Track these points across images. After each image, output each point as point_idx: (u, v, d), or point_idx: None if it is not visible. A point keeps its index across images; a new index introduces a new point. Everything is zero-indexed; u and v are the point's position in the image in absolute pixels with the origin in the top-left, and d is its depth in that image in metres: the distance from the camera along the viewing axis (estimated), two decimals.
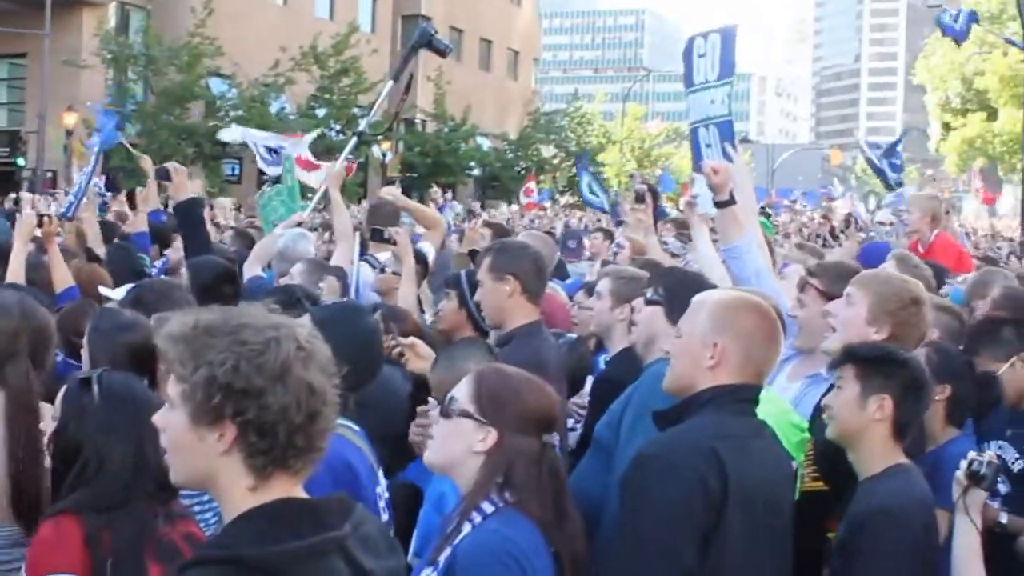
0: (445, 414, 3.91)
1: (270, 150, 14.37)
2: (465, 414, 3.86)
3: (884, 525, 4.38)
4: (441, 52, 11.95)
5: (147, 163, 11.64)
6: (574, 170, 62.06)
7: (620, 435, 5.00)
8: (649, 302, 5.49)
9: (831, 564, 4.54)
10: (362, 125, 13.44)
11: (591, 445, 5.35)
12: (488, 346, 5.62)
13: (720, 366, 4.18)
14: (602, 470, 4.95)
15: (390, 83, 11.88)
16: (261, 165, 14.96)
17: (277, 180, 12.65)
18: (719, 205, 6.74)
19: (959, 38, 26.22)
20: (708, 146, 7.88)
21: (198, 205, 8.71)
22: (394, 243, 8.13)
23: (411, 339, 5.84)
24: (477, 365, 4.85)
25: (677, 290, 5.22)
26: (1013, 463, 5.92)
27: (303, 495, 2.75)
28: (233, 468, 2.68)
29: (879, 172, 19.94)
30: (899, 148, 20.57)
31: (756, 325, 4.25)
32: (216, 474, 2.70)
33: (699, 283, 5.37)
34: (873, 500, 4.48)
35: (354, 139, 12.68)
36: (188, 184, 8.71)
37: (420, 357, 5.74)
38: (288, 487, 2.71)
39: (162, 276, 9.62)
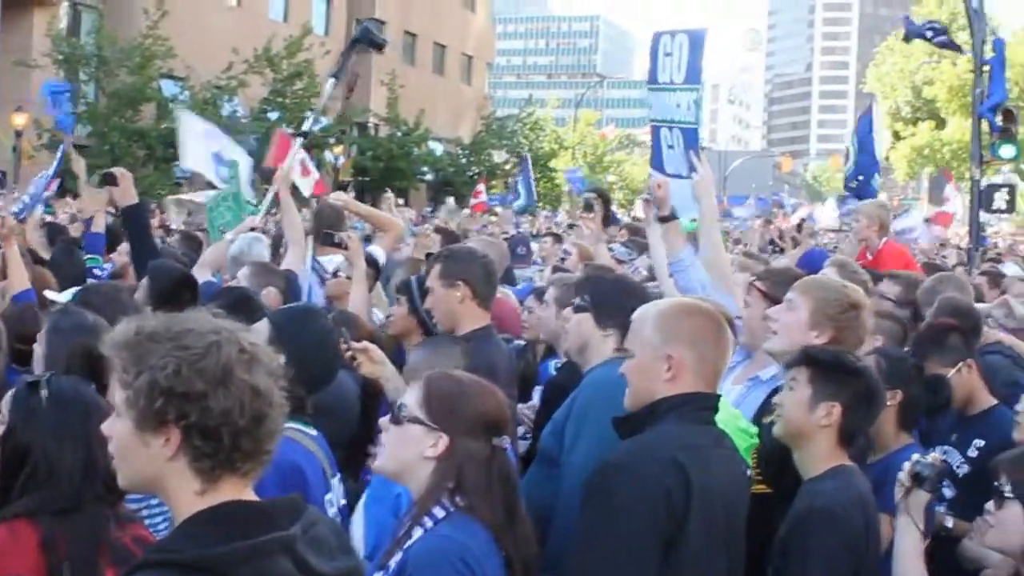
0: (396, 421, 3.92)
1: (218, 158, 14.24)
2: (415, 420, 3.87)
3: (822, 524, 4.43)
4: (379, 47, 12.00)
5: (79, 166, 11.56)
6: None
7: (564, 443, 5.02)
8: (577, 309, 5.49)
9: (772, 563, 4.58)
10: (306, 125, 13.35)
11: (537, 454, 5.37)
12: (465, 347, 5.65)
13: (678, 376, 4.22)
14: (548, 478, 4.98)
15: (331, 80, 11.85)
16: (216, 182, 14.87)
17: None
18: (661, 220, 6.80)
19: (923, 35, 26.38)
20: (671, 147, 7.89)
21: (144, 210, 8.64)
22: (346, 247, 8.11)
23: (364, 344, 5.84)
24: (456, 361, 4.91)
25: (603, 295, 5.27)
26: (958, 467, 6.00)
27: (252, 497, 2.75)
28: (180, 473, 2.68)
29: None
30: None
31: (702, 327, 4.30)
32: (164, 479, 2.70)
33: (624, 287, 5.43)
34: (813, 500, 4.53)
35: (299, 140, 12.65)
36: (133, 189, 8.62)
37: (373, 361, 5.74)
38: (237, 490, 2.71)
39: (108, 280, 9.52)
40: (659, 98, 8.15)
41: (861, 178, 18.03)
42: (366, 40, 11.70)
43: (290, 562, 2.65)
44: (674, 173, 7.75)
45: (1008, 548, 4.11)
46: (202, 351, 2.64)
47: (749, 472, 4.60)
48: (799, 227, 15.30)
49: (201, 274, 8.30)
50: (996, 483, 4.11)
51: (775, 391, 5.34)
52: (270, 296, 7.33)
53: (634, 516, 3.89)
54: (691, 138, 7.83)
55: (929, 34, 26.06)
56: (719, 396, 4.36)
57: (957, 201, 34.32)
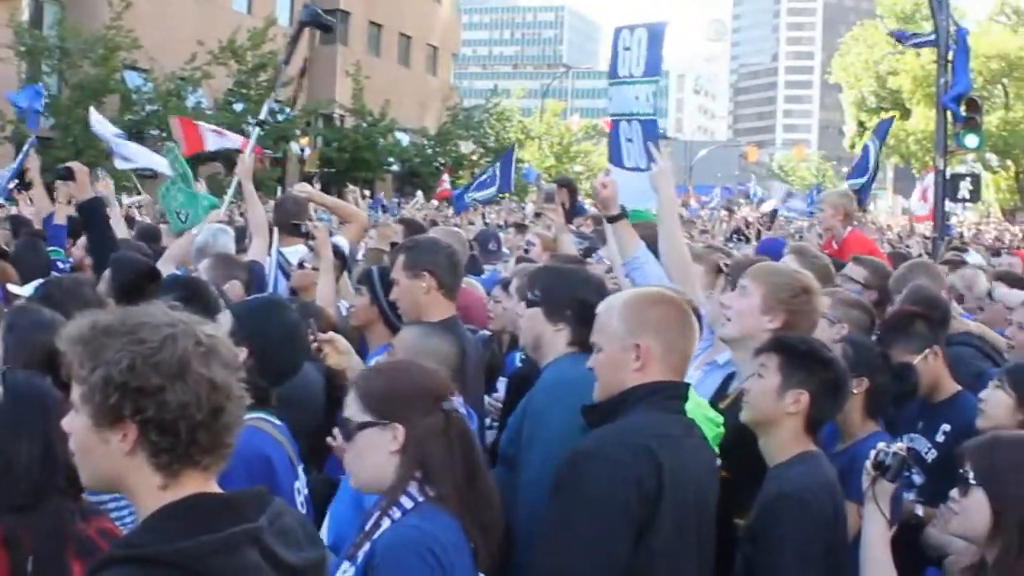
0: (348, 437, 3.92)
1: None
2: (365, 425, 3.87)
3: (790, 509, 4.44)
4: (326, 28, 12.01)
5: (33, 164, 11.50)
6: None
7: (521, 445, 5.00)
8: (528, 304, 5.46)
9: (742, 549, 4.58)
10: (263, 113, 13.29)
11: (498, 457, 5.35)
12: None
13: (646, 366, 4.22)
14: (508, 483, 4.96)
15: (282, 66, 11.84)
16: (118, 163, 14.80)
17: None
18: (609, 220, 6.80)
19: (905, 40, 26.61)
20: (629, 140, 7.89)
21: (101, 204, 8.57)
22: (312, 237, 8.09)
23: (330, 334, 5.83)
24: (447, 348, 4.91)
25: (552, 289, 5.24)
26: (926, 453, 6.01)
27: (216, 490, 2.74)
28: (140, 468, 2.67)
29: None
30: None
31: (668, 315, 4.31)
32: (124, 475, 2.69)
33: (574, 279, 5.39)
34: (781, 486, 4.55)
35: (256, 129, 12.60)
36: (90, 184, 8.57)
37: (339, 352, 5.73)
38: (199, 483, 2.70)
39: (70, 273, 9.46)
40: (619, 92, 8.16)
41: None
42: (313, 22, 11.68)
43: (258, 553, 2.64)
44: (633, 167, 7.76)
45: (971, 535, 4.12)
46: (157, 345, 2.62)
47: (719, 462, 4.59)
48: (772, 217, 15.41)
49: (166, 268, 8.25)
50: (961, 470, 4.11)
51: (730, 376, 5.37)
52: (234, 288, 7.29)
53: (605, 503, 3.90)
54: (650, 129, 7.83)
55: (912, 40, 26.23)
56: (688, 385, 4.37)
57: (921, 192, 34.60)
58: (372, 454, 3.86)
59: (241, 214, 16.60)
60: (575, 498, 3.95)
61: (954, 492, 4.14)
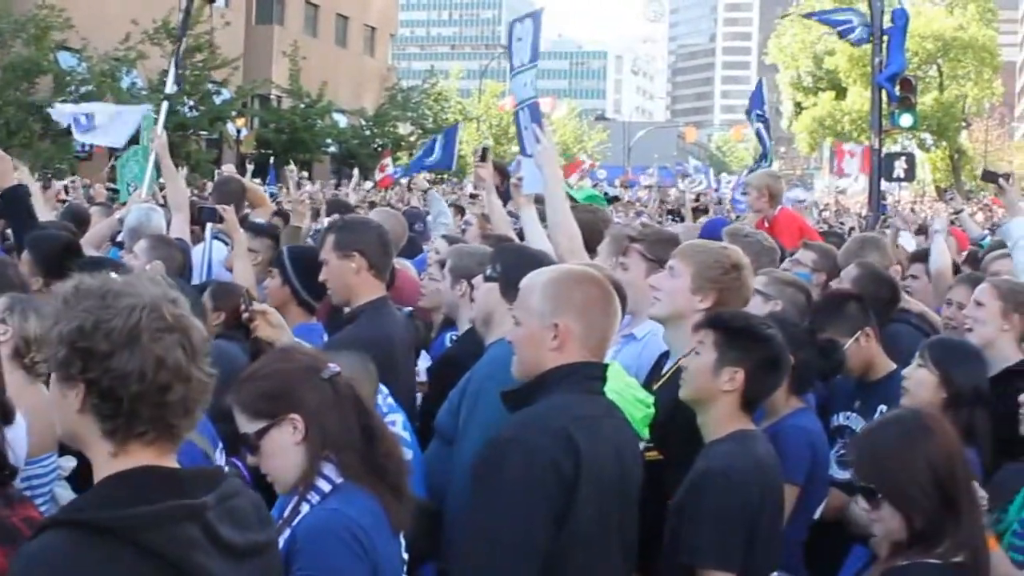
0: (253, 450, 3.89)
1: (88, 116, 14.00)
2: (262, 432, 3.85)
3: (716, 485, 4.46)
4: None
5: None
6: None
7: (459, 421, 4.97)
8: (487, 279, 5.47)
9: (669, 523, 4.59)
10: (168, 86, 13.17)
11: (435, 433, 5.32)
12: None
13: (564, 345, 4.17)
14: (446, 457, 4.93)
15: (184, 41, 11.77)
16: (77, 135, 14.68)
17: (134, 141, 12.50)
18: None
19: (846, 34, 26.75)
20: (526, 128, 8.02)
21: (24, 192, 8.43)
22: (221, 220, 8.04)
23: (263, 306, 5.79)
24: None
25: (513, 267, 5.22)
26: None
27: (170, 465, 2.77)
28: (91, 430, 2.73)
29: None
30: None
31: (591, 296, 4.26)
32: (80, 433, 2.75)
33: (537, 260, 5.36)
34: (710, 462, 4.56)
35: (165, 103, 12.50)
36: (12, 171, 8.44)
37: (271, 325, 5.70)
38: (150, 457, 2.73)
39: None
40: (516, 83, 8.40)
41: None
42: None
43: (198, 530, 2.66)
44: (531, 153, 7.85)
45: (896, 538, 4.12)
46: (115, 312, 2.67)
47: (642, 443, 4.56)
48: (696, 199, 15.50)
49: (86, 250, 8.15)
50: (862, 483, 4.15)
51: (665, 356, 5.35)
52: (156, 269, 7.22)
53: (523, 489, 3.86)
54: (534, 112, 8.06)
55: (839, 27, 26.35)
56: (605, 366, 4.33)
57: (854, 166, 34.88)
58: (282, 454, 3.84)
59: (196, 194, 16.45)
60: (494, 484, 3.91)
61: (862, 502, 4.17)
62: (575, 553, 3.92)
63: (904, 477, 4.01)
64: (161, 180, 11.55)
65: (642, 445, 4.67)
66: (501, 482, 3.89)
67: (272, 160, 43.20)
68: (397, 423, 5.00)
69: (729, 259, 5.49)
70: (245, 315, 5.63)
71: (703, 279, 5.37)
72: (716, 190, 34.17)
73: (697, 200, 21.24)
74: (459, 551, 3.96)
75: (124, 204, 10.66)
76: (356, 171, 35.77)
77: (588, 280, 4.33)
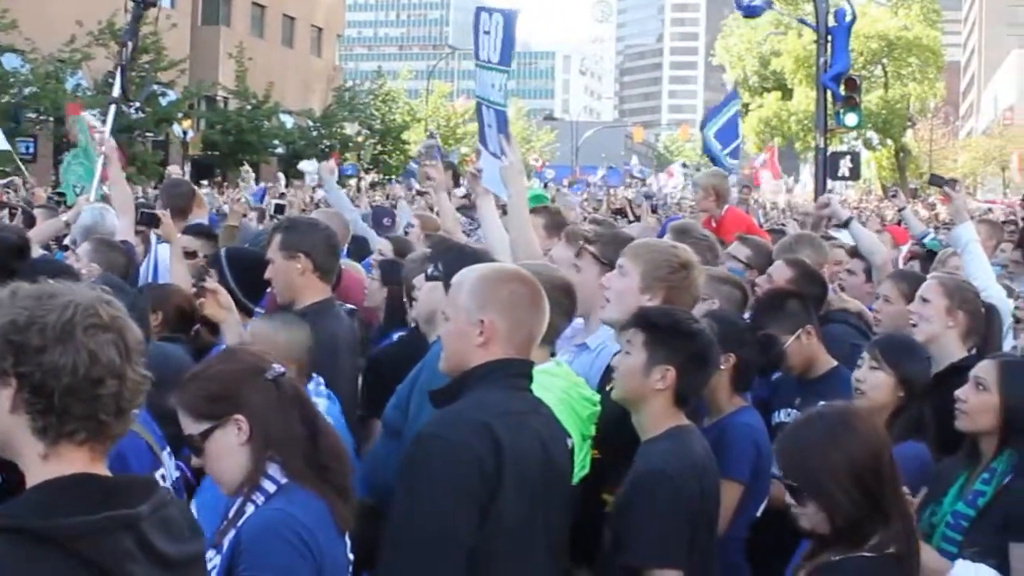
0: (198, 451, 3.89)
1: None
2: (207, 433, 3.85)
3: (656, 485, 4.47)
4: (150, 4, 12.04)
5: None
6: (378, 148, 61.79)
7: (409, 417, 4.97)
8: (429, 278, 5.48)
9: (609, 525, 4.61)
10: (115, 90, 13.10)
11: (383, 429, 5.31)
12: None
13: (490, 342, 4.17)
14: (394, 452, 4.92)
15: (128, 43, 11.74)
16: None
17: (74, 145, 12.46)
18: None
19: (753, 14, 26.87)
20: (489, 127, 7.93)
21: None
22: (157, 224, 8.02)
23: (215, 285, 5.79)
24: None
25: (455, 266, 5.20)
26: None
27: (101, 471, 2.74)
28: (23, 430, 2.69)
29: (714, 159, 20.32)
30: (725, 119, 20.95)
31: (517, 294, 4.25)
32: (11, 436, 2.71)
33: (477, 258, 5.36)
34: (648, 462, 4.58)
35: (112, 107, 12.44)
36: None
37: (220, 306, 5.75)
38: (82, 461, 2.71)
39: None
40: (481, 75, 8.21)
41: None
42: None
43: (132, 541, 2.64)
44: (493, 151, 7.79)
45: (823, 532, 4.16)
46: (49, 308, 2.68)
47: (575, 444, 4.56)
48: (630, 203, 15.60)
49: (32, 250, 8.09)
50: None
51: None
52: (92, 273, 7.19)
53: (447, 484, 3.86)
54: (502, 121, 7.89)
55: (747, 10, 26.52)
56: (531, 363, 4.32)
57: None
58: (227, 456, 3.84)
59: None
60: (417, 481, 3.91)
61: (788, 497, 4.20)
62: (500, 549, 3.92)
63: (825, 475, 4.02)
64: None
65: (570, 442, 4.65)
66: (424, 478, 3.89)
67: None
68: (321, 406, 4.97)
69: (678, 258, 5.50)
70: (194, 291, 5.64)
71: (652, 278, 5.38)
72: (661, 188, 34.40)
73: (648, 198, 21.30)
74: (383, 547, 3.93)
75: (71, 206, 10.60)
76: (281, 175, 35.77)
77: (516, 278, 4.32)
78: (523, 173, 7.12)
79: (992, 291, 7.43)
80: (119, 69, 12.47)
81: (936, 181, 9.33)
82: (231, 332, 5.87)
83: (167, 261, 8.60)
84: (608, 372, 5.43)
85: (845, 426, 4.13)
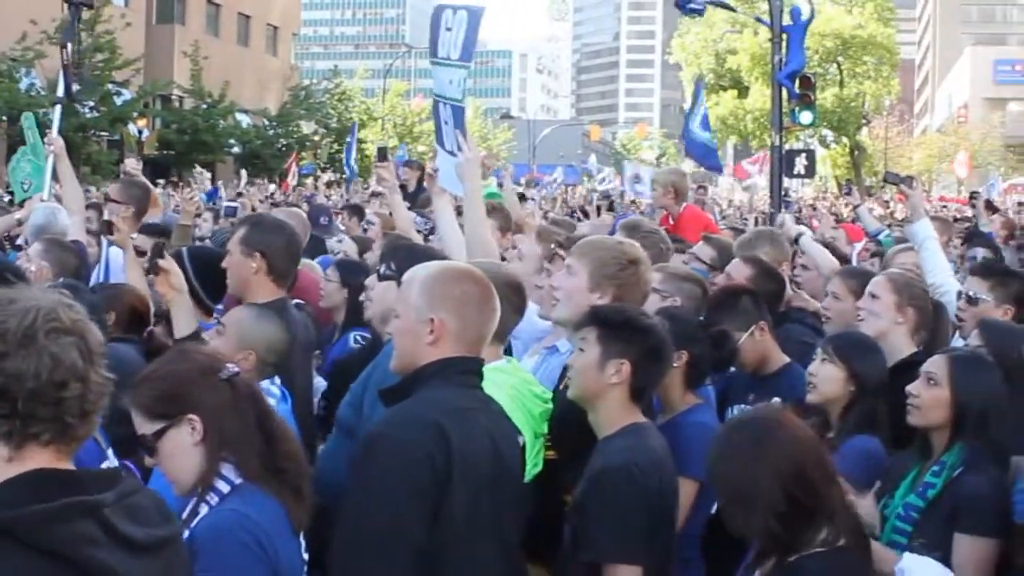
0: (151, 452, 3.87)
1: None
2: (160, 432, 3.83)
3: (615, 481, 4.48)
4: (88, 5, 12.01)
5: None
6: (335, 146, 61.60)
7: (363, 415, 4.97)
8: (382, 277, 5.49)
9: (570, 522, 4.62)
10: (59, 90, 13.02)
11: (336, 427, 5.31)
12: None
13: (440, 340, 4.17)
14: (345, 451, 4.92)
15: (68, 44, 11.72)
16: None
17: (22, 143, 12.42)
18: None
19: (694, 12, 26.93)
20: (446, 123, 7.91)
21: None
22: (111, 231, 8.00)
23: (170, 264, 5.79)
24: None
25: (408, 264, 5.21)
26: None
27: (66, 467, 2.75)
28: None
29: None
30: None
31: (467, 292, 4.26)
32: None
33: (429, 257, 5.37)
34: (607, 459, 4.58)
35: (58, 107, 12.39)
36: None
37: (171, 286, 5.79)
38: (46, 460, 2.72)
39: None
40: (438, 73, 8.15)
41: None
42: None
43: (96, 526, 2.66)
44: (449, 149, 7.78)
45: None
46: (10, 314, 2.67)
47: (527, 442, 4.57)
48: (606, 197, 15.63)
49: None
50: None
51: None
52: (42, 273, 7.15)
53: (398, 483, 3.86)
54: (459, 117, 7.85)
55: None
56: (481, 361, 4.33)
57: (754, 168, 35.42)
58: (180, 456, 3.83)
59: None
60: (368, 480, 3.91)
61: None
62: (450, 546, 3.92)
63: (752, 487, 4.02)
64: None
65: (522, 439, 4.66)
66: (375, 477, 3.89)
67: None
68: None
69: (626, 255, 5.52)
70: (147, 265, 5.66)
71: (600, 276, 5.40)
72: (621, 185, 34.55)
73: (607, 198, 21.38)
74: (335, 547, 3.93)
75: (20, 205, 10.57)
76: (243, 172, 35.64)
77: (467, 277, 4.34)
78: (479, 169, 7.12)
79: (948, 286, 7.50)
80: (62, 69, 12.41)
81: (891, 179, 9.35)
82: (181, 314, 5.85)
83: (119, 260, 8.56)
84: (564, 372, 5.45)
85: (768, 436, 4.09)
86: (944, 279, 7.57)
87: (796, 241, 9.02)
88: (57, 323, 2.69)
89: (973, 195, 16.22)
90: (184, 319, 5.88)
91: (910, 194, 8.38)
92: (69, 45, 11.79)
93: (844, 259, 9.68)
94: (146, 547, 2.77)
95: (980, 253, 10.35)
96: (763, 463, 4.01)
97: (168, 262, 5.83)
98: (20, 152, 11.63)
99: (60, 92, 12.83)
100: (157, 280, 5.79)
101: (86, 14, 47.44)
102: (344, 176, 38.26)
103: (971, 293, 6.83)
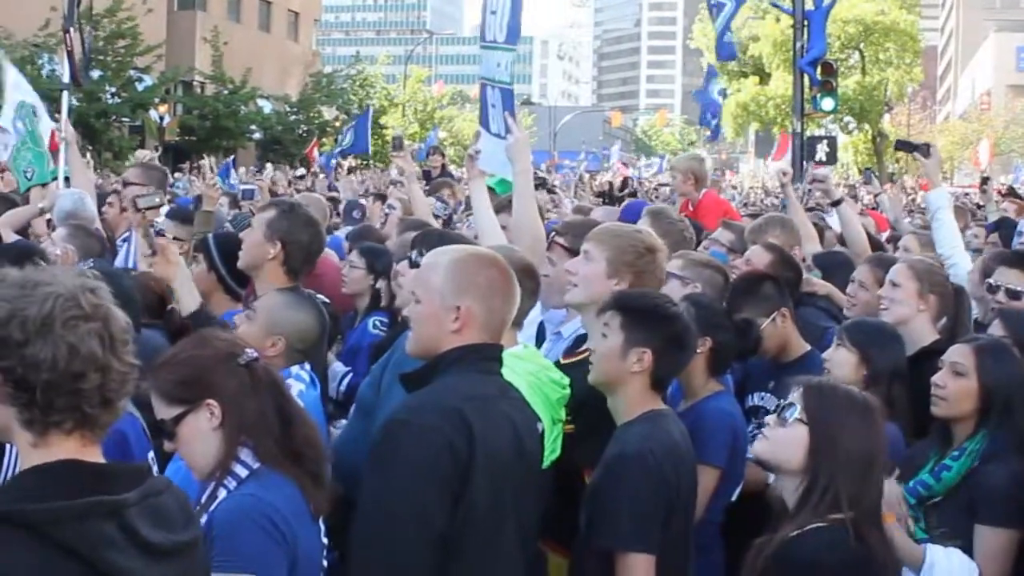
0: (171, 437, 3.88)
1: None
2: (179, 417, 3.84)
3: (631, 468, 4.47)
4: None
5: None
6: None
7: (380, 394, 4.98)
8: (412, 264, 5.48)
9: (586, 508, 4.60)
10: (65, 77, 13.06)
11: (355, 407, 5.31)
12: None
13: (465, 328, 4.15)
14: (365, 432, 4.91)
15: (71, 31, 11.77)
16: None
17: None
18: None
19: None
20: (493, 106, 7.94)
21: None
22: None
23: (167, 242, 5.80)
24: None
25: None
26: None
27: (94, 459, 2.73)
28: (11, 419, 2.69)
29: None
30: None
31: (492, 279, 4.23)
32: (5, 425, 2.72)
33: (459, 243, 5.35)
34: (623, 445, 4.57)
35: (65, 94, 12.41)
36: None
37: (168, 262, 5.79)
38: (72, 448, 2.70)
39: None
40: (486, 56, 8.24)
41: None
42: None
43: (116, 528, 2.63)
44: (496, 132, 7.79)
45: (776, 463, 4.16)
46: (31, 301, 2.65)
47: (544, 429, 4.55)
48: (623, 185, 15.59)
49: (5, 233, 8.09)
50: (786, 400, 4.16)
51: (583, 338, 5.34)
52: (67, 256, 7.17)
53: (420, 471, 3.85)
54: (507, 99, 7.91)
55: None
56: (501, 347, 4.31)
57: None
58: (199, 441, 3.83)
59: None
60: (389, 466, 3.89)
61: (771, 419, 4.19)
62: (470, 533, 3.91)
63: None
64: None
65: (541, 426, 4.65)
66: (396, 464, 3.87)
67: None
68: (294, 390, 4.96)
69: (643, 242, 5.51)
70: (153, 243, 5.66)
71: (619, 263, 5.38)
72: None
73: (625, 186, 21.33)
74: (354, 534, 3.92)
75: (25, 193, 10.66)
76: (269, 165, 35.69)
77: (492, 264, 4.30)
78: (528, 149, 7.11)
79: (957, 258, 7.49)
80: (67, 56, 12.44)
81: (903, 146, 9.27)
82: (184, 290, 5.84)
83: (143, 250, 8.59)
84: (574, 347, 5.43)
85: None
86: (952, 251, 7.57)
87: (836, 204, 8.98)
88: (77, 311, 2.67)
89: (984, 180, 16.03)
90: (188, 295, 5.88)
91: (925, 162, 8.32)
92: (71, 30, 11.83)
93: (878, 246, 9.58)
94: (165, 552, 2.75)
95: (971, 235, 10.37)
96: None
97: (166, 239, 5.82)
98: (20, 140, 11.65)
99: (66, 79, 12.88)
100: (155, 262, 5.78)
101: (107, 1, 47.72)
102: (363, 163, 38.24)
103: (1010, 286, 6.74)
